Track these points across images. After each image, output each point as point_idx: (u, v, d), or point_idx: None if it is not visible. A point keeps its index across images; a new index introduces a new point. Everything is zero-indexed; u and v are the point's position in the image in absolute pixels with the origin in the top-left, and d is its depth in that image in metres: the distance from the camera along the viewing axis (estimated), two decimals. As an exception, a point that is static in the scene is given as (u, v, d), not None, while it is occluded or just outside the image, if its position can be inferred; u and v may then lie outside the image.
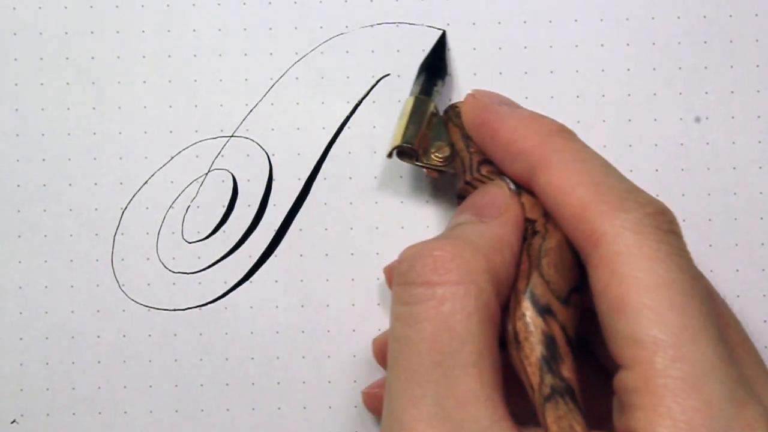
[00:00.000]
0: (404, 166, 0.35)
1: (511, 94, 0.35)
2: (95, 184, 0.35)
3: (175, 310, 0.34)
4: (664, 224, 0.24)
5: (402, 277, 0.26)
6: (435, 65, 0.34)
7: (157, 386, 0.34)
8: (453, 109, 0.32)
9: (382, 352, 0.32)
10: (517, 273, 0.26)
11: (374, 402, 0.32)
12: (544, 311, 0.25)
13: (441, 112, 0.33)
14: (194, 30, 0.35)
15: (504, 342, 0.26)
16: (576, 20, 0.35)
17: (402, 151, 0.32)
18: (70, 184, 0.35)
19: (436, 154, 0.32)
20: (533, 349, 0.24)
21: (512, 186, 0.29)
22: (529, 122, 0.28)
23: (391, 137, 0.33)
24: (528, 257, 0.26)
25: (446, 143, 0.32)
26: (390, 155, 0.32)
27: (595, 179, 0.25)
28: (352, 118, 0.35)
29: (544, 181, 0.26)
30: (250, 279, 0.34)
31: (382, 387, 0.32)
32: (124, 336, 0.34)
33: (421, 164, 0.32)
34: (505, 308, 0.26)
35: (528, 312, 0.25)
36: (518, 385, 0.25)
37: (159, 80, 0.35)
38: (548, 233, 0.27)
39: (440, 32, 0.35)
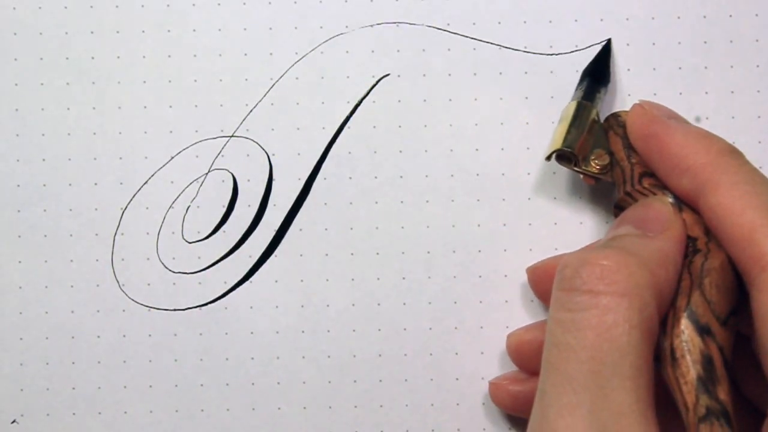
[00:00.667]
0: (404, 166, 0.35)
1: (511, 94, 0.35)
2: (95, 184, 0.35)
3: (175, 310, 0.34)
4: None
5: (566, 282, 0.26)
6: (599, 72, 0.34)
7: (157, 386, 0.34)
8: (615, 117, 0.32)
9: (518, 350, 0.32)
10: (677, 290, 0.26)
11: (501, 395, 0.32)
12: (703, 331, 0.25)
13: (602, 120, 0.33)
14: (194, 30, 0.35)
15: (658, 358, 0.25)
16: (576, 20, 0.35)
17: (561, 155, 0.32)
18: (70, 184, 0.35)
19: (595, 161, 0.31)
20: (690, 368, 0.24)
21: (675, 201, 0.28)
22: (700, 139, 0.28)
23: (551, 140, 0.33)
24: (689, 275, 0.26)
25: (606, 151, 0.31)
26: (549, 158, 0.32)
27: (766, 203, 0.25)
28: (352, 118, 0.35)
29: (713, 201, 0.26)
30: (250, 279, 0.34)
31: (513, 381, 0.32)
32: (124, 336, 0.34)
33: (579, 170, 0.32)
34: (662, 324, 0.26)
35: (687, 330, 0.25)
36: (668, 403, 0.25)
37: (159, 80, 0.35)
38: (710, 252, 0.26)
39: (606, 40, 0.35)
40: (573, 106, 0.33)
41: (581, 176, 0.32)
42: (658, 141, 0.29)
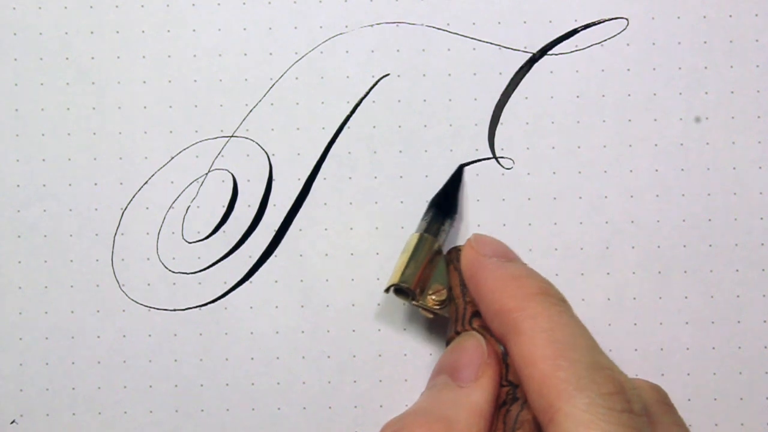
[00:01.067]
0: (404, 166, 0.35)
1: (510, 95, 0.35)
2: (95, 184, 0.35)
3: (175, 310, 0.34)
4: (618, 405, 0.24)
5: None
6: (445, 204, 0.34)
7: (157, 386, 0.34)
8: (456, 251, 0.32)
9: None
10: None
11: None
12: None
13: (445, 251, 0.33)
14: (194, 30, 0.35)
15: None
16: (576, 20, 0.35)
17: (398, 289, 0.32)
18: (70, 184, 0.35)
19: (433, 297, 0.31)
20: None
21: (499, 347, 0.29)
22: (511, 282, 0.28)
23: (392, 271, 0.32)
24: (503, 425, 0.26)
25: (444, 286, 0.31)
26: (387, 290, 0.32)
27: (560, 352, 0.25)
28: (352, 118, 0.35)
29: (514, 349, 0.27)
30: (250, 279, 0.34)
31: None
32: (124, 336, 0.34)
33: (416, 304, 0.32)
34: None
35: None
36: None
37: (159, 80, 0.35)
38: (527, 403, 0.26)
39: (457, 168, 0.34)
40: (415, 238, 0.32)
41: (419, 310, 0.32)
42: (476, 282, 0.29)
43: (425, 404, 0.28)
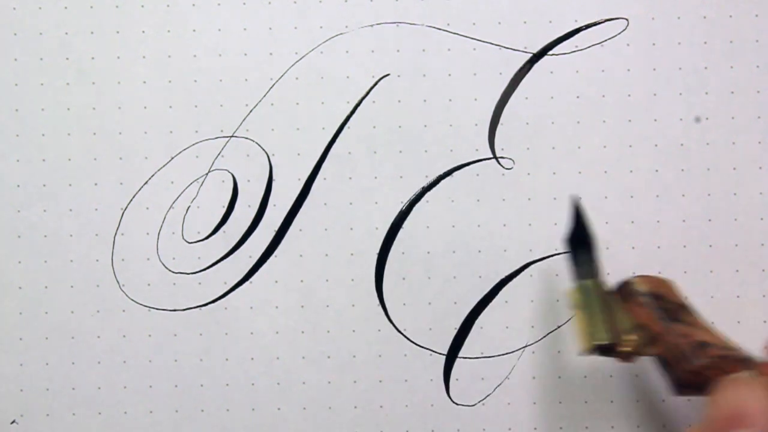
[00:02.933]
0: (404, 165, 0.35)
1: (510, 95, 0.35)
2: (95, 184, 0.35)
3: (175, 310, 0.34)
4: None
5: None
6: (584, 239, 0.31)
7: (157, 386, 0.34)
8: (628, 285, 0.30)
9: None
10: None
11: None
12: None
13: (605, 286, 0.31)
14: (194, 30, 0.35)
15: None
16: (576, 20, 0.35)
17: (601, 348, 0.29)
18: (70, 184, 0.35)
19: (631, 340, 0.29)
20: None
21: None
22: None
23: (583, 332, 0.30)
24: None
25: (631, 324, 0.29)
26: (588, 352, 0.29)
27: None
28: (352, 118, 0.35)
29: None
30: (250, 279, 0.34)
31: None
32: (124, 336, 0.34)
33: (616, 355, 0.29)
34: None
35: None
36: None
37: (159, 80, 0.35)
38: None
39: (575, 205, 0.32)
40: (582, 289, 0.30)
41: (619, 358, 0.30)
42: None
43: None
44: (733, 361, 0.27)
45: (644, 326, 0.29)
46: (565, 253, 0.32)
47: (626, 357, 0.29)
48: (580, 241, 0.31)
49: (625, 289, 0.30)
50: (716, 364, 0.27)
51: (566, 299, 0.33)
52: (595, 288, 0.30)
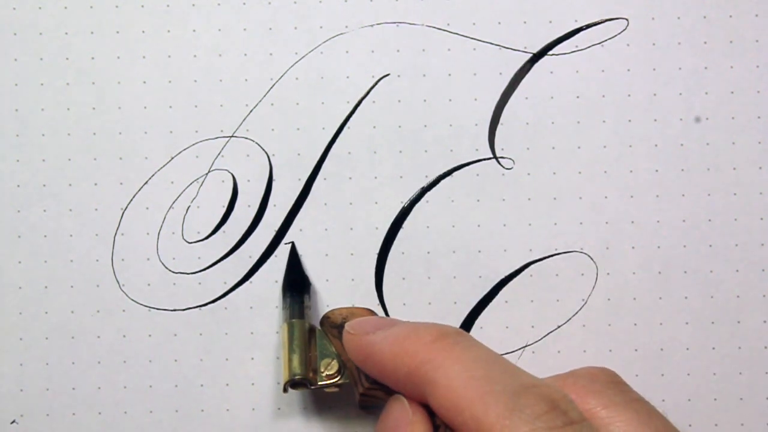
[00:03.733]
0: (404, 166, 0.35)
1: (510, 95, 0.35)
2: (95, 184, 0.35)
3: (175, 310, 0.34)
4: (558, 420, 0.24)
5: None
6: (296, 282, 0.34)
7: (157, 386, 0.34)
8: (327, 319, 0.32)
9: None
10: None
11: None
12: None
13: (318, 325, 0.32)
14: (194, 30, 0.35)
15: None
16: (576, 20, 0.35)
17: (294, 383, 0.31)
18: (70, 184, 0.35)
19: (327, 372, 0.31)
20: None
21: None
22: (404, 342, 0.27)
23: (282, 371, 0.32)
24: None
25: (332, 357, 0.31)
26: (285, 390, 0.31)
27: (482, 389, 0.25)
28: (352, 118, 0.35)
29: (436, 404, 0.26)
30: (250, 279, 0.34)
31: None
32: (124, 336, 0.34)
33: (316, 387, 0.31)
34: None
35: None
36: None
37: (159, 80, 0.35)
38: None
39: (289, 244, 0.34)
40: (285, 329, 0.32)
41: (324, 390, 0.31)
42: (372, 361, 0.28)
43: None
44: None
45: (338, 355, 0.31)
46: (283, 298, 0.34)
47: (329, 386, 0.31)
48: (293, 285, 0.33)
49: (324, 324, 0.32)
50: (376, 387, 0.29)
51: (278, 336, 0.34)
52: (301, 327, 0.32)
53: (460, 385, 0.25)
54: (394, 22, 0.35)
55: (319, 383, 0.31)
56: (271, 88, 0.35)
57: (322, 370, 0.31)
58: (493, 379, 0.25)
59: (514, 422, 0.24)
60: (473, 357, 0.26)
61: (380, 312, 0.34)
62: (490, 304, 0.34)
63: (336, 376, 0.31)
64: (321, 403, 0.34)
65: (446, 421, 0.25)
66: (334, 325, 0.32)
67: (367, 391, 0.29)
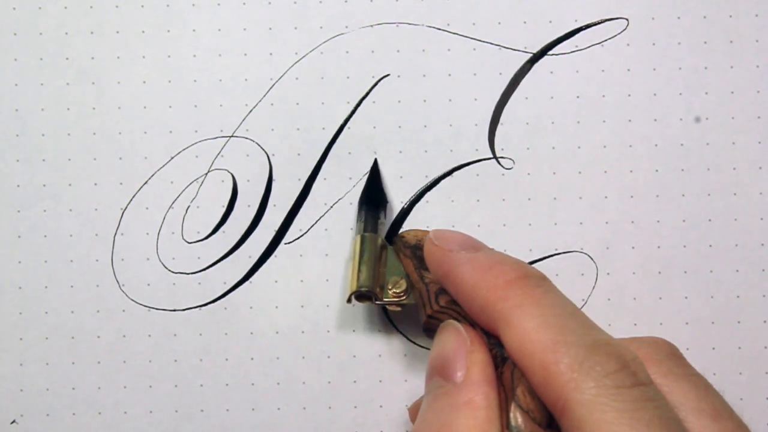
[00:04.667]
0: (404, 166, 0.35)
1: (510, 95, 0.35)
2: (95, 184, 0.35)
3: (174, 310, 0.34)
4: (627, 380, 0.24)
5: None
6: (374, 198, 0.34)
7: (157, 386, 0.34)
8: (401, 239, 0.32)
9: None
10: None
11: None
12: None
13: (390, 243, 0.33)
14: (194, 30, 0.35)
15: None
16: (576, 20, 0.35)
17: (360, 294, 0.31)
18: (70, 184, 0.35)
19: (394, 290, 0.31)
20: None
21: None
22: (488, 273, 0.27)
23: (348, 281, 0.32)
24: (503, 388, 0.26)
25: (401, 276, 0.31)
26: (349, 300, 0.32)
27: (556, 338, 0.25)
28: (352, 118, 0.35)
29: (507, 342, 0.26)
30: (250, 279, 0.34)
31: None
32: (124, 336, 0.34)
33: (381, 303, 0.31)
34: None
35: None
36: None
37: (159, 80, 0.35)
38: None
39: (373, 162, 0.34)
40: (358, 241, 0.32)
41: (386, 308, 0.32)
42: (452, 280, 0.28)
43: (425, 417, 0.28)
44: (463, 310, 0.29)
45: (407, 276, 0.31)
46: (358, 211, 0.34)
47: (393, 304, 0.31)
48: (370, 199, 0.34)
49: (396, 244, 0.32)
50: (447, 311, 0.29)
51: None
52: (373, 242, 0.32)
53: (534, 329, 0.25)
54: (394, 22, 0.35)
55: (385, 299, 0.31)
56: (271, 88, 0.35)
57: (390, 287, 0.31)
58: (568, 329, 0.25)
59: (582, 376, 0.24)
60: (552, 303, 0.26)
61: (382, 312, 0.34)
62: (490, 304, 0.34)
63: (402, 295, 0.31)
64: (321, 402, 0.34)
65: (515, 361, 0.25)
66: (407, 245, 0.32)
67: (435, 313, 0.29)
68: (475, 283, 0.27)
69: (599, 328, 0.26)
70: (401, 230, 0.33)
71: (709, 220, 0.34)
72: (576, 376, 0.24)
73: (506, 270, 0.27)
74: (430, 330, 0.30)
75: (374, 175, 0.34)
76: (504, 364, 0.26)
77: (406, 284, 0.31)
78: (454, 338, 0.28)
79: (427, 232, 0.32)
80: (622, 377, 0.24)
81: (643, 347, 0.27)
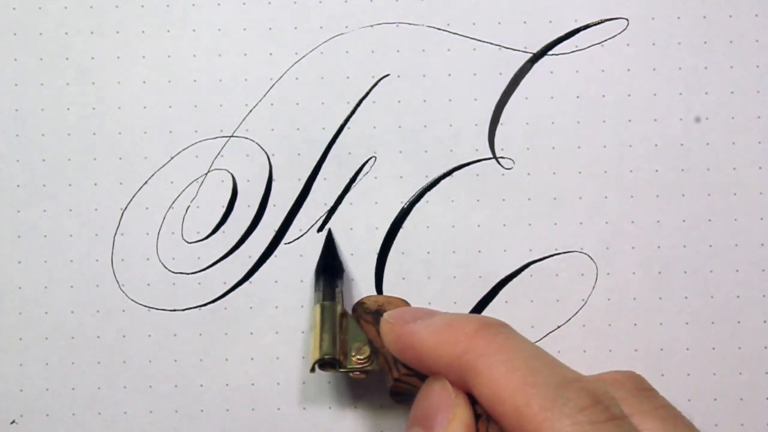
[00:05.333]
0: (404, 165, 0.35)
1: (510, 95, 0.35)
2: (95, 184, 0.35)
3: (174, 310, 0.34)
4: (601, 415, 0.24)
5: None
6: (330, 266, 0.34)
7: (157, 386, 0.34)
8: (361, 305, 0.32)
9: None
10: None
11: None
12: None
13: (349, 310, 0.33)
14: (194, 30, 0.35)
15: None
16: (576, 20, 0.35)
17: (324, 363, 0.31)
18: (70, 184, 0.35)
19: (358, 357, 0.31)
20: None
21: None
22: (447, 331, 0.28)
23: (310, 350, 0.32)
24: None
25: (364, 342, 0.31)
26: (312, 369, 0.31)
27: (525, 380, 0.25)
28: (352, 118, 0.35)
29: (478, 392, 0.26)
30: (250, 279, 0.34)
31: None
32: (124, 336, 0.34)
33: (345, 370, 0.31)
34: None
35: None
36: None
37: (159, 80, 0.35)
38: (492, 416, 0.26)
39: (327, 231, 0.34)
40: (317, 310, 0.32)
41: (350, 375, 0.32)
42: (412, 350, 0.28)
43: None
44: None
45: (370, 342, 0.31)
46: (315, 281, 0.34)
47: (357, 371, 0.31)
48: (327, 269, 0.34)
49: (357, 311, 0.32)
50: (414, 374, 0.29)
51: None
52: (333, 310, 0.32)
53: (503, 375, 0.25)
54: (394, 22, 0.35)
55: (349, 366, 0.31)
56: (271, 88, 0.35)
57: (353, 353, 0.31)
58: (536, 371, 0.25)
59: (555, 414, 0.24)
60: (516, 347, 0.26)
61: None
62: (490, 304, 0.34)
63: (366, 362, 0.31)
64: (321, 402, 0.34)
65: (488, 410, 0.26)
66: (368, 311, 0.32)
67: (402, 377, 0.29)
68: (435, 343, 0.28)
69: (566, 366, 0.26)
70: (362, 298, 0.33)
71: (709, 220, 0.34)
72: (549, 414, 0.24)
73: (464, 324, 0.27)
74: (397, 394, 0.30)
75: (329, 245, 0.34)
76: (479, 420, 0.26)
77: (370, 350, 0.31)
78: (439, 391, 0.28)
79: (385, 297, 0.33)
80: (597, 412, 0.24)
81: (607, 385, 0.27)
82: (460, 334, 0.27)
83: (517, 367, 0.25)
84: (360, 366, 0.31)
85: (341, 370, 0.31)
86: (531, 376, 0.25)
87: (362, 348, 0.31)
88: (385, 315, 0.30)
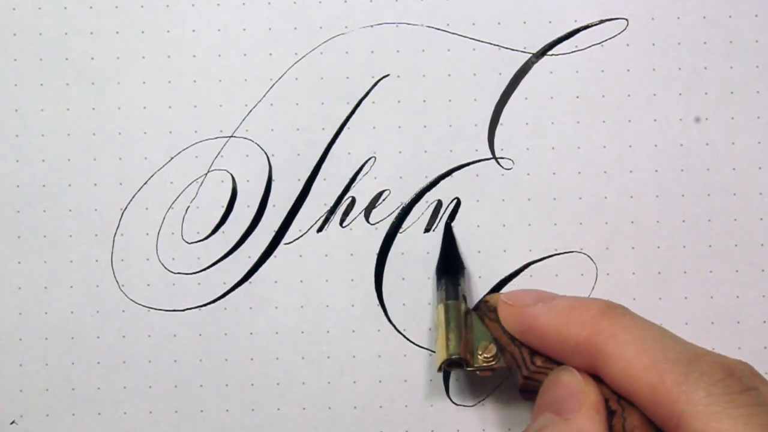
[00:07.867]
0: (404, 166, 0.35)
1: (510, 95, 0.35)
2: (95, 184, 0.35)
3: (174, 310, 0.34)
4: (735, 387, 0.24)
5: None
6: (449, 266, 0.34)
7: (156, 387, 0.34)
8: (485, 304, 0.32)
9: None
10: None
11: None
12: None
13: (472, 307, 0.32)
14: (194, 30, 0.35)
15: None
16: (576, 20, 0.35)
17: (451, 363, 0.31)
18: (70, 185, 0.35)
19: (484, 355, 0.31)
20: None
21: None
22: (571, 315, 0.28)
23: (437, 350, 0.32)
24: None
25: (489, 340, 0.31)
26: (440, 369, 0.31)
27: (656, 357, 0.25)
28: (352, 118, 0.35)
29: (608, 373, 0.26)
30: (250, 279, 0.34)
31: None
32: (123, 336, 0.34)
33: (472, 369, 0.31)
34: None
35: None
36: None
37: (159, 80, 0.35)
38: (626, 411, 0.26)
39: (445, 225, 0.34)
40: (441, 309, 0.32)
41: (477, 373, 0.32)
42: (535, 332, 0.29)
43: None
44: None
45: (496, 340, 0.31)
46: (437, 280, 0.34)
47: (483, 369, 0.31)
48: (449, 268, 0.33)
49: (481, 308, 0.32)
50: (544, 370, 0.29)
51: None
52: (458, 309, 0.32)
53: (633, 355, 0.26)
54: (394, 23, 0.35)
55: (476, 365, 0.31)
56: (271, 88, 0.35)
57: (480, 352, 0.31)
58: (666, 348, 0.26)
59: (690, 387, 0.24)
60: (642, 327, 0.27)
61: (382, 313, 0.34)
62: (490, 305, 0.34)
63: (493, 360, 0.31)
64: (321, 402, 0.34)
65: (620, 391, 0.26)
66: (491, 308, 0.31)
67: (532, 374, 0.29)
68: (560, 326, 0.28)
69: (690, 342, 0.26)
70: (484, 295, 0.33)
71: (709, 220, 0.34)
72: (685, 388, 0.24)
73: (589, 306, 0.28)
74: (527, 391, 0.30)
75: (449, 243, 0.34)
76: (613, 417, 0.27)
77: (496, 348, 0.31)
78: (567, 380, 0.28)
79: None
80: (731, 384, 0.24)
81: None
82: (586, 316, 0.28)
83: (647, 346, 0.26)
84: (487, 364, 0.31)
85: (468, 369, 0.31)
86: (662, 353, 0.25)
87: (488, 346, 0.31)
88: (503, 296, 0.31)
